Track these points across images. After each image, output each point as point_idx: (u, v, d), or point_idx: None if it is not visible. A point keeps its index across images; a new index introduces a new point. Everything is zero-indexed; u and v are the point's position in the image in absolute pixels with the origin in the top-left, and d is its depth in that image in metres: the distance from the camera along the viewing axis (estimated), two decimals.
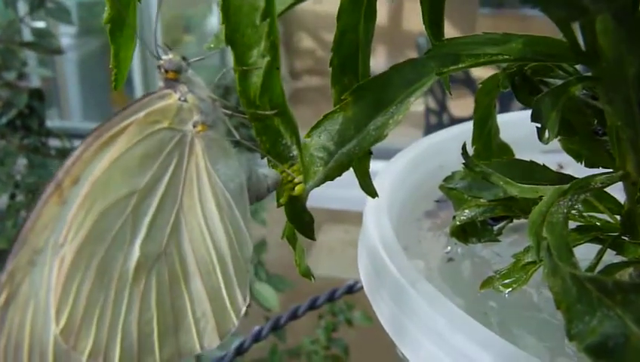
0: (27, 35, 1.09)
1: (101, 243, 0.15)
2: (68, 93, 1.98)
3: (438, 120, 1.90)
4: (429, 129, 1.90)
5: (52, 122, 1.27)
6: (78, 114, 1.99)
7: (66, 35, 1.84)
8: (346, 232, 1.51)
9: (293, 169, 0.17)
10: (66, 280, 0.15)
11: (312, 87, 2.42)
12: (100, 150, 0.15)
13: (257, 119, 0.16)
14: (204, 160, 0.16)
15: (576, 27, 0.18)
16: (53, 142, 1.22)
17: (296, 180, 0.17)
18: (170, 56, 0.16)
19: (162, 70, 0.16)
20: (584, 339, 0.16)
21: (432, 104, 1.86)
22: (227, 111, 0.17)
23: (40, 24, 1.11)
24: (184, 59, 0.16)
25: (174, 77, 0.16)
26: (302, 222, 0.17)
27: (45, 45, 0.96)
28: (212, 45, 0.17)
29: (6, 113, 1.12)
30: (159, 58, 0.16)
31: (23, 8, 0.99)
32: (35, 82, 1.58)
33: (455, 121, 1.80)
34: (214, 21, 2.09)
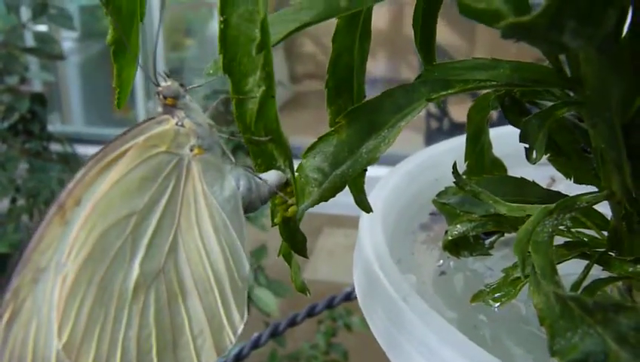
0: (29, 39, 1.10)
1: (102, 262, 0.16)
2: (69, 97, 1.99)
3: (438, 124, 1.91)
4: (430, 133, 1.91)
5: (53, 127, 1.28)
6: (79, 118, 1.99)
7: (67, 39, 1.85)
8: (346, 236, 1.52)
9: (287, 191, 0.17)
10: (68, 298, 0.15)
11: (313, 91, 2.43)
12: (101, 172, 0.16)
13: (253, 143, 0.17)
14: (200, 182, 0.17)
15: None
16: (55, 147, 1.23)
17: (289, 202, 0.17)
18: (169, 83, 0.17)
19: (161, 97, 0.17)
20: (566, 355, 0.17)
21: (433, 109, 1.87)
22: (223, 135, 0.17)
23: (41, 28, 1.12)
24: (182, 85, 0.17)
25: (172, 103, 0.17)
26: (295, 241, 0.18)
27: (47, 50, 0.97)
28: (211, 71, 0.18)
29: (8, 117, 1.12)
30: (158, 85, 0.17)
31: (25, 13, 0.99)
32: (36, 86, 1.59)
33: (455, 125, 1.80)
34: (215, 25, 2.09)
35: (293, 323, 0.51)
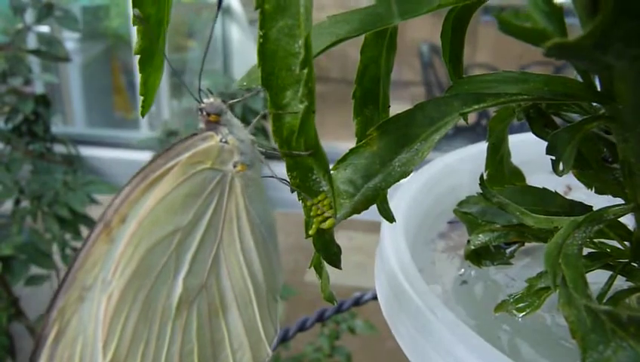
0: (31, 41, 1.10)
1: (147, 279, 0.16)
2: (71, 98, 1.98)
3: None
4: None
5: (56, 128, 1.28)
6: (81, 120, 1.99)
7: (69, 39, 1.84)
8: (350, 239, 1.52)
9: (324, 203, 0.17)
10: (114, 315, 0.15)
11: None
12: (147, 190, 0.16)
13: (289, 156, 0.17)
14: (243, 197, 0.17)
15: None
16: (58, 148, 1.23)
17: (326, 214, 0.17)
18: (212, 99, 0.17)
19: (204, 113, 0.17)
20: None
21: None
22: (263, 150, 0.17)
23: (43, 28, 1.12)
24: (224, 102, 0.17)
25: (216, 119, 0.17)
26: (330, 253, 0.18)
27: (53, 52, 0.97)
28: (244, 83, 0.18)
29: (12, 119, 1.12)
30: (201, 102, 0.17)
31: (29, 15, 0.99)
32: (38, 88, 1.58)
33: (458, 129, 1.80)
34: (218, 27, 2.09)
35: (302, 327, 0.51)
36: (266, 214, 0.17)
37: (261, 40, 0.16)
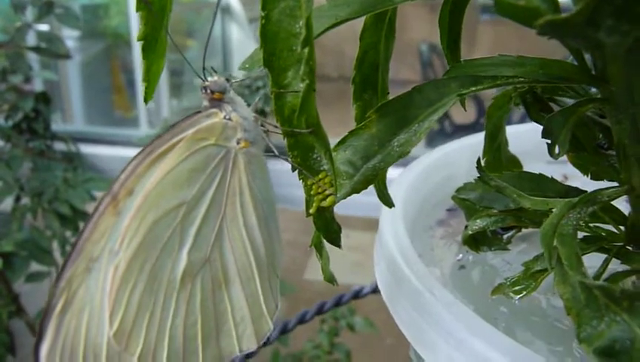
0: (31, 39, 1.10)
1: (152, 251, 0.16)
2: (70, 96, 1.99)
3: (440, 126, 1.92)
4: (431, 135, 1.92)
5: (56, 125, 1.29)
6: (80, 117, 1.99)
7: (68, 38, 1.85)
8: (347, 237, 1.52)
9: (325, 181, 0.18)
10: (120, 286, 0.16)
11: None
12: (153, 164, 0.16)
13: (290, 135, 0.18)
14: (245, 174, 0.17)
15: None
16: (58, 146, 1.24)
17: (327, 192, 0.18)
18: (215, 78, 0.17)
19: (208, 91, 0.17)
20: (592, 342, 0.17)
21: None
22: (265, 128, 0.18)
23: (43, 27, 1.12)
24: (227, 80, 0.18)
25: (219, 97, 0.17)
26: (330, 231, 0.18)
27: (54, 50, 0.98)
28: (247, 65, 0.19)
29: (12, 116, 1.13)
30: (205, 80, 0.18)
31: (29, 13, 1.00)
32: (37, 85, 1.59)
33: (457, 127, 1.81)
34: (217, 26, 2.10)
35: (302, 320, 0.51)
36: (268, 191, 0.17)
37: (263, 21, 0.16)
